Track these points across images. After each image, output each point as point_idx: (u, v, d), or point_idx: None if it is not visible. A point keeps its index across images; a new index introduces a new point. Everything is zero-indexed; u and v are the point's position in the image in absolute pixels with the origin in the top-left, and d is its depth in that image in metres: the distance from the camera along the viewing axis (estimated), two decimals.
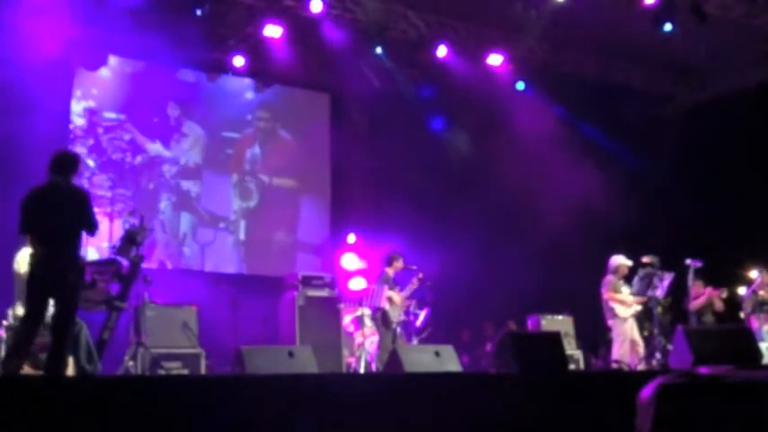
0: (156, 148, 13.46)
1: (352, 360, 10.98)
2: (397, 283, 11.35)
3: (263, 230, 14.35)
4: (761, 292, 12.19)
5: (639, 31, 13.00)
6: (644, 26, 12.48)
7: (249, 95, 14.58)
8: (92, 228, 7.13)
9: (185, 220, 13.59)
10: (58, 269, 6.84)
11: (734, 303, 12.67)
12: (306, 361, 7.54)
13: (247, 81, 14.41)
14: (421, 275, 11.28)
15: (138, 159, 13.24)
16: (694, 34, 12.65)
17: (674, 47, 13.67)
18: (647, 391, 2.05)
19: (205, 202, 13.83)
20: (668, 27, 12.35)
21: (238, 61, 13.20)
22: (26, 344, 6.85)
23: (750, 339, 8.16)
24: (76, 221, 7.03)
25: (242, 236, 14.14)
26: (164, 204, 13.43)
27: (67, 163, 7.21)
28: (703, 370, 2.54)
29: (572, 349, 11.82)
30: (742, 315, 12.35)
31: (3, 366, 6.86)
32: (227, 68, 13.48)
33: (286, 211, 14.72)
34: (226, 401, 5.07)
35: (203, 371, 9.58)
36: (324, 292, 11.11)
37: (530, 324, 12.39)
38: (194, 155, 13.87)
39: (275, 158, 14.73)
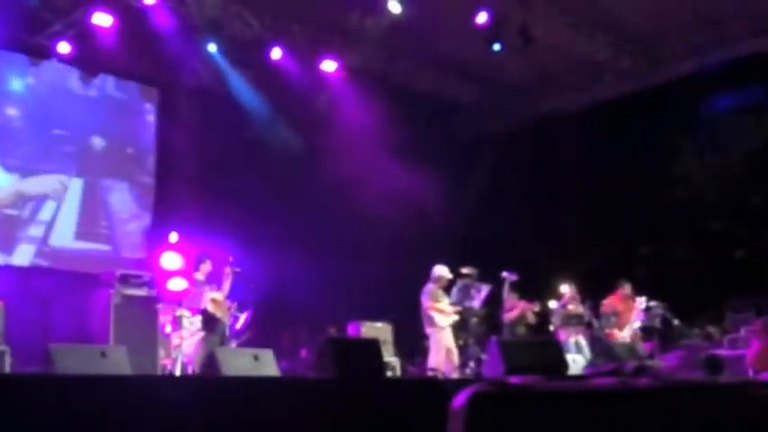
0: None
1: (168, 362, 10.71)
2: (212, 283, 11.10)
3: None
4: (570, 307, 12.72)
5: (471, 48, 13.37)
6: (476, 44, 12.84)
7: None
8: None
9: None
10: None
11: (545, 316, 13.17)
12: (119, 362, 7.28)
13: None
14: (236, 269, 11.06)
15: None
16: (522, 56, 13.13)
17: (505, 67, 14.15)
18: (460, 399, 2.09)
19: None
20: (497, 47, 12.77)
21: (63, 48, 12.54)
22: None
23: (558, 351, 8.53)
24: None
25: None
26: None
27: None
28: (514, 379, 2.62)
29: (390, 356, 12.00)
30: (551, 328, 12.86)
31: None
32: (51, 54, 12.76)
33: None
34: (32, 402, 4.82)
35: (8, 369, 9.12)
36: (142, 291, 10.77)
37: (350, 330, 12.50)
38: None
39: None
